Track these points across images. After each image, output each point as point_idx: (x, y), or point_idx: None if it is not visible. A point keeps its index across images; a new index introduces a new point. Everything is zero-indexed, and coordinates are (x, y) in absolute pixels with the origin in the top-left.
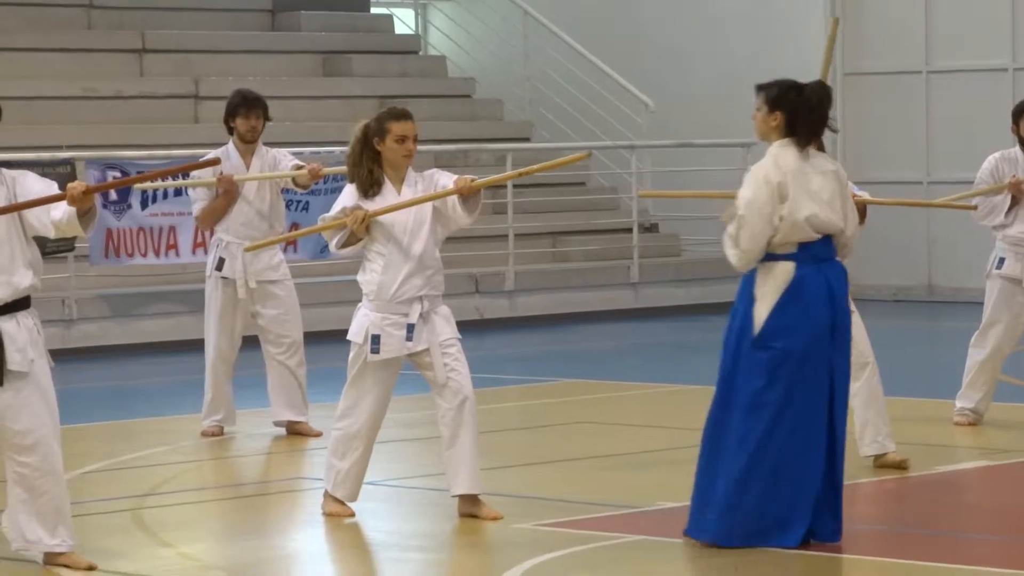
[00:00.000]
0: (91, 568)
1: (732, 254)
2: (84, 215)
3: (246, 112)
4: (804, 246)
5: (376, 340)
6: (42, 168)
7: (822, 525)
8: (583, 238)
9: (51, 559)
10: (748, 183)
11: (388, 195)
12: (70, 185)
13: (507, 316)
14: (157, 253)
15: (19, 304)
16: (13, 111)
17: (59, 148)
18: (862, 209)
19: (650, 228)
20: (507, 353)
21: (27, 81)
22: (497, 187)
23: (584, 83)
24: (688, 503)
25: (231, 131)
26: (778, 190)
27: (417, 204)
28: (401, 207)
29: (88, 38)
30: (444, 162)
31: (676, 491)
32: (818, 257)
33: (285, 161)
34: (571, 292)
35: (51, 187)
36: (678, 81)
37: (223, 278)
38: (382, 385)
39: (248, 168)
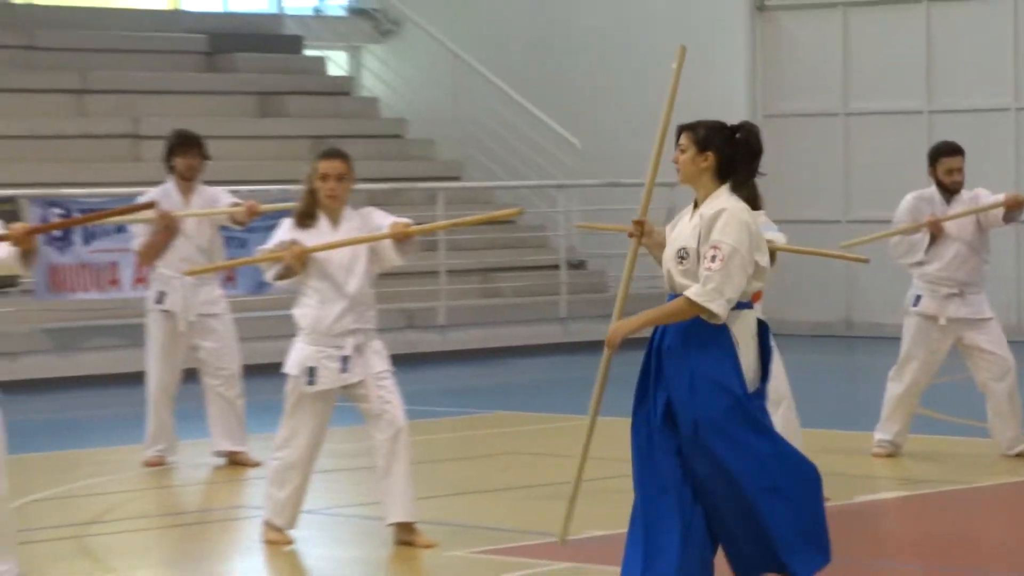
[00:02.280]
0: None
1: (719, 304)
2: (26, 255)
3: (184, 151)
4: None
5: (312, 372)
6: None
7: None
8: (513, 274)
9: None
10: (731, 228)
11: (323, 230)
12: (12, 226)
13: (439, 350)
14: (99, 288)
15: None
16: None
17: (2, 186)
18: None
19: (578, 265)
20: (439, 386)
21: None
22: None
23: (512, 123)
24: (614, 531)
25: (171, 169)
26: (754, 238)
27: (353, 244)
28: (337, 246)
29: (29, 79)
30: (377, 200)
31: (604, 520)
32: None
33: (223, 199)
34: (501, 327)
35: None
36: (604, 122)
37: (164, 312)
38: (318, 416)
39: (188, 205)
